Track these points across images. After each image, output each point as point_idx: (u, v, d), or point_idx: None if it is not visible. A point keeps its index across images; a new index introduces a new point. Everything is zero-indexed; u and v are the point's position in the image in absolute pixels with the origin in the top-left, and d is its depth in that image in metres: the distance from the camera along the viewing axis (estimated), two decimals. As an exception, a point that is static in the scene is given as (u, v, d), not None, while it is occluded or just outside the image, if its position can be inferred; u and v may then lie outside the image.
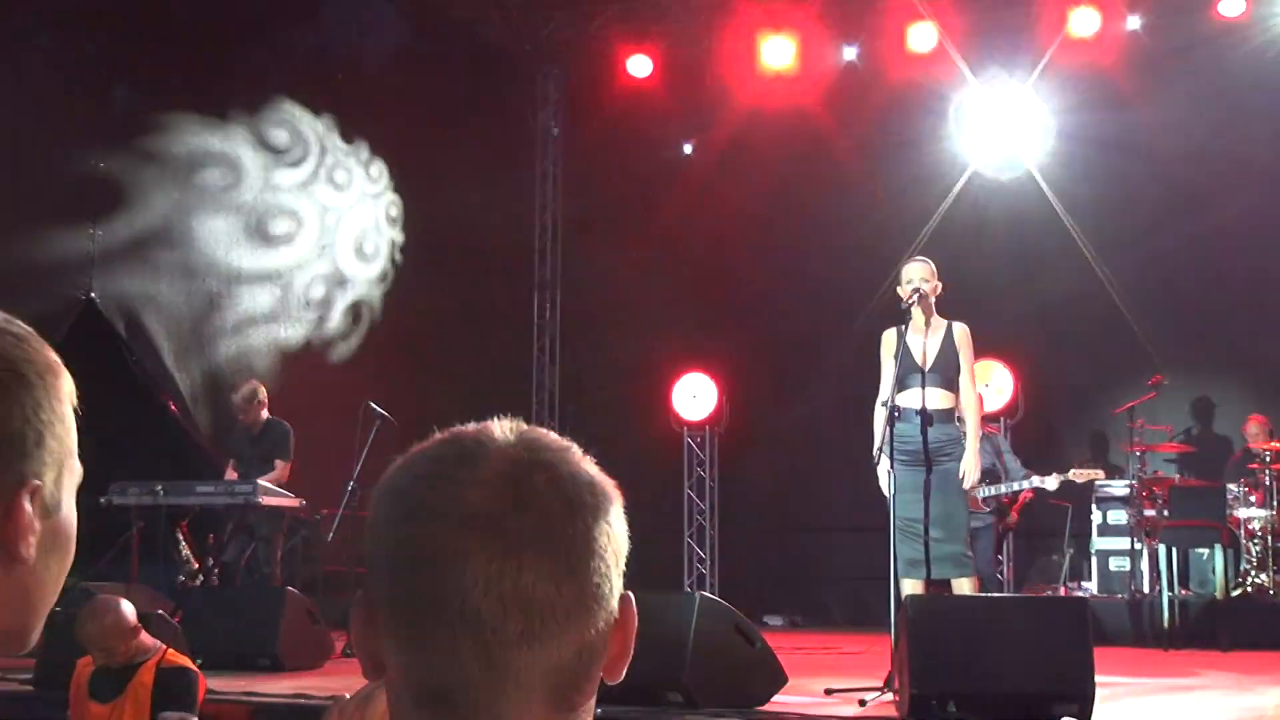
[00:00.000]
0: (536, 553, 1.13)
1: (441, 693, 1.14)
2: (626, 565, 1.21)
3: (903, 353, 7.68)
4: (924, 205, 13.17)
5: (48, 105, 11.18)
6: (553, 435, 1.23)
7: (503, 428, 1.21)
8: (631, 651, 1.22)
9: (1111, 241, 12.93)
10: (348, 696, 1.50)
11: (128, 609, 5.87)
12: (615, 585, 1.19)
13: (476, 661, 1.12)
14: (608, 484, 1.21)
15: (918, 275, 7.80)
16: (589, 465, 1.22)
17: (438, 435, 1.23)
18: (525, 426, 1.22)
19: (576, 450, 1.22)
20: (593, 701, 1.20)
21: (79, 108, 11.46)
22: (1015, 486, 10.52)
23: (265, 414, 10.42)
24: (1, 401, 1.20)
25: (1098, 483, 12.22)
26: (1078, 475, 10.16)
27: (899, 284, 7.88)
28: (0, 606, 1.22)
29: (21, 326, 1.25)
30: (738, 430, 14.43)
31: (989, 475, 10.09)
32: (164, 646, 5.89)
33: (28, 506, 1.20)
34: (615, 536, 1.19)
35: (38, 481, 1.21)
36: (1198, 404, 13.08)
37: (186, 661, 5.93)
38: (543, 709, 1.15)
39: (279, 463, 10.27)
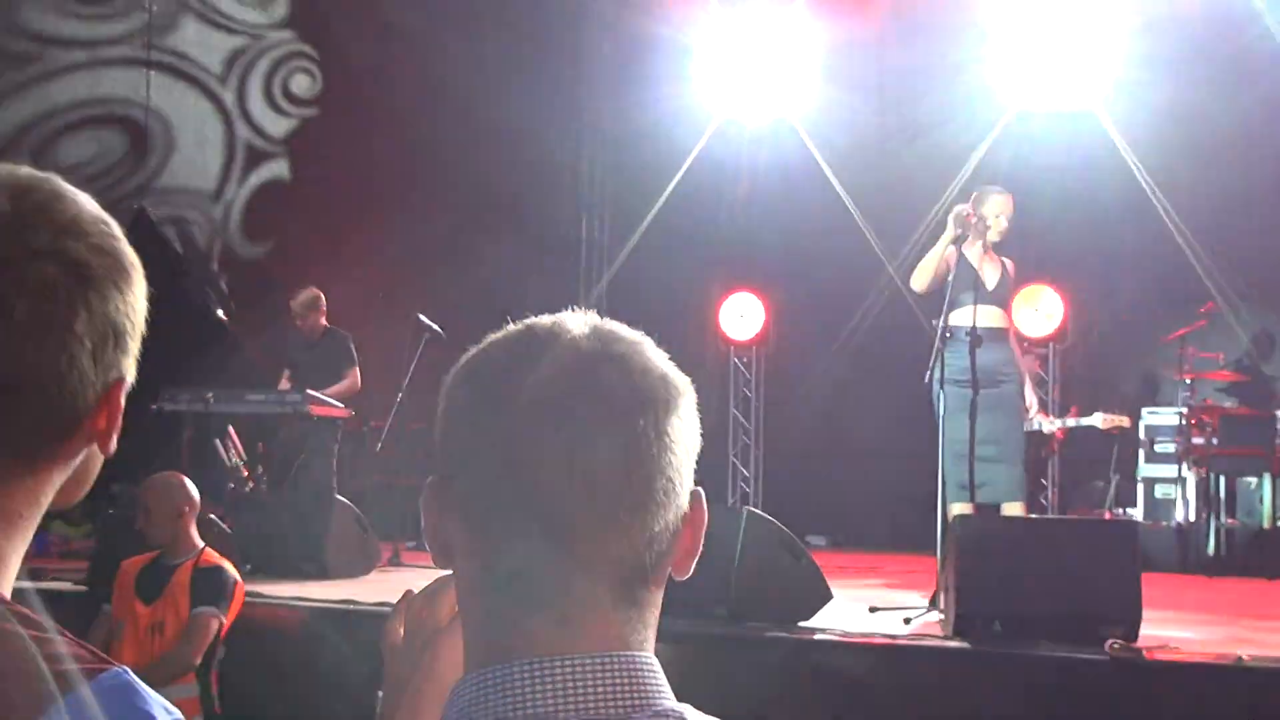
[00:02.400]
0: (608, 442, 1.13)
1: (510, 580, 1.15)
2: None
3: (960, 270, 7.63)
4: (980, 130, 12.98)
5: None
6: (626, 328, 1.22)
7: (576, 319, 1.21)
8: (700, 547, 1.22)
9: (1168, 166, 12.73)
10: (415, 591, 1.51)
11: (191, 487, 6.01)
12: (685, 480, 1.19)
13: (546, 549, 1.13)
14: (680, 378, 1.21)
15: (1004, 209, 7.86)
16: (662, 359, 1.21)
17: (512, 325, 1.22)
18: (599, 319, 1.22)
19: (649, 344, 1.22)
20: (660, 595, 1.20)
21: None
22: (1041, 425, 10.31)
23: (324, 321, 10.41)
24: (108, 293, 1.22)
25: (1145, 410, 12.14)
26: (1105, 421, 9.93)
27: (970, 204, 7.84)
28: (75, 486, 1.28)
29: (112, 220, 1.27)
30: (784, 351, 14.40)
31: None
32: (203, 547, 5.98)
33: (122, 402, 1.24)
34: (687, 431, 1.19)
35: (128, 379, 1.25)
36: (1250, 332, 12.92)
37: (223, 562, 6.01)
38: (610, 598, 1.15)
39: (348, 371, 10.27)
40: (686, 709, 1.15)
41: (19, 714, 1.08)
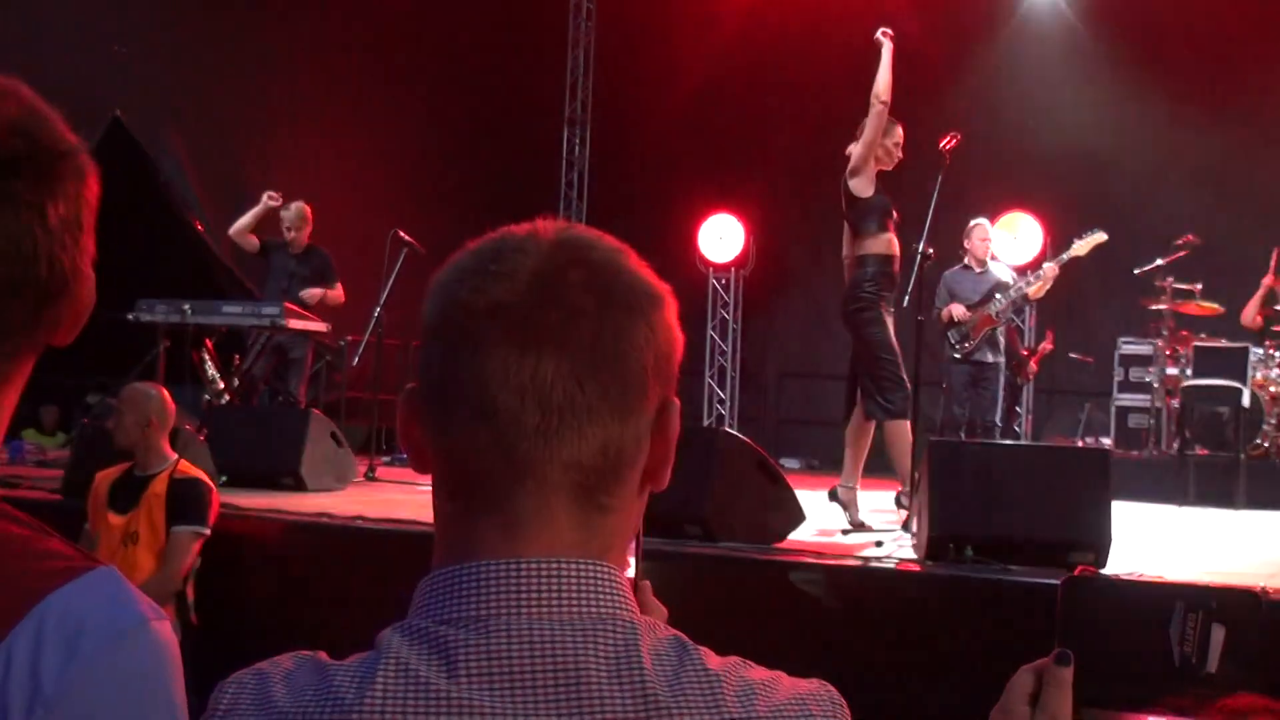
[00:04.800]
0: (558, 348, 1.12)
1: (467, 483, 1.15)
2: None
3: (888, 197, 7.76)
4: (962, 49, 12.92)
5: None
6: (607, 238, 1.20)
7: (551, 226, 1.19)
8: (673, 459, 1.21)
9: (1150, 95, 12.71)
10: None
11: (168, 402, 6.02)
12: (651, 388, 1.16)
13: (495, 452, 1.13)
14: (657, 287, 1.19)
15: None
16: (639, 267, 1.19)
17: (493, 232, 1.21)
18: (580, 228, 1.20)
19: (629, 254, 1.20)
20: (632, 505, 1.20)
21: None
22: (1029, 286, 10.11)
23: (308, 238, 10.52)
24: (69, 184, 1.22)
25: (1121, 339, 12.18)
26: (1080, 246, 9.88)
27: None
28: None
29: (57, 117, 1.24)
30: (763, 273, 14.39)
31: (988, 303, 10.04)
32: (177, 458, 5.99)
33: (86, 294, 1.26)
34: (657, 339, 1.17)
35: (90, 270, 1.26)
36: (1228, 264, 12.94)
37: (199, 473, 6.02)
38: (566, 504, 1.14)
39: (333, 286, 10.51)
40: (647, 621, 1.15)
41: (9, 605, 1.09)
